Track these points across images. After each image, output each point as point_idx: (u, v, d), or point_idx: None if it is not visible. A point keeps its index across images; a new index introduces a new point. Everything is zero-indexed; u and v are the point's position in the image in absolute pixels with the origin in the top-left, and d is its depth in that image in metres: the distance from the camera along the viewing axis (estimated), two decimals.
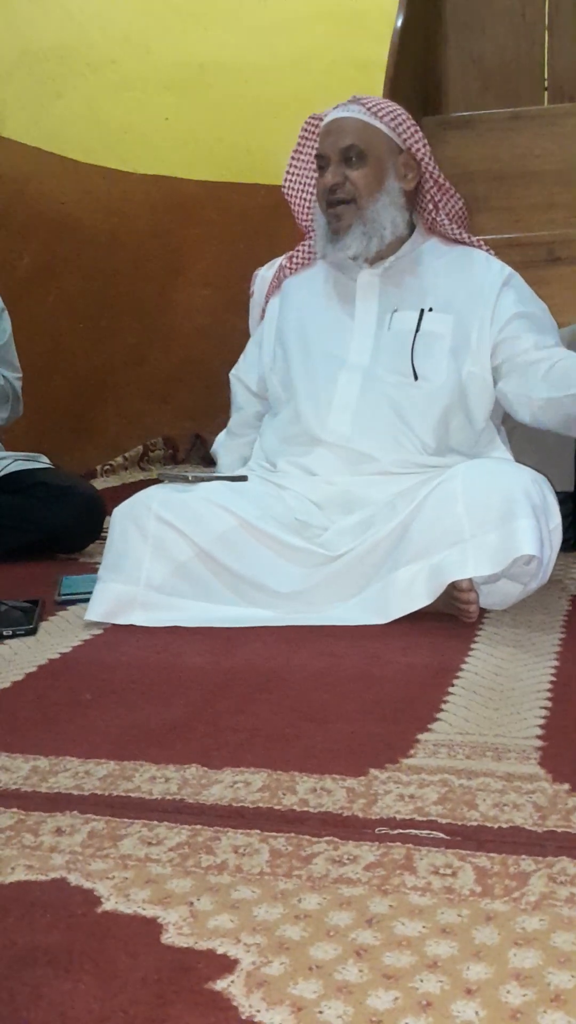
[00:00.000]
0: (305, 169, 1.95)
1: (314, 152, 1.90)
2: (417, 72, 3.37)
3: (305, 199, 1.97)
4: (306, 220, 1.97)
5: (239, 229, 3.73)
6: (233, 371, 2.11)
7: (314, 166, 1.90)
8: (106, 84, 3.62)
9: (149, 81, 3.71)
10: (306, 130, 1.94)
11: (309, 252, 1.99)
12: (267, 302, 2.06)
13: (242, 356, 2.11)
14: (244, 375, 2.08)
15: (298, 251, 2.02)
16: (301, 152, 1.95)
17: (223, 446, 2.12)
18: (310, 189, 1.94)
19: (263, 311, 2.08)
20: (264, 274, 2.09)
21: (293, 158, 1.96)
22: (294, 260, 2.02)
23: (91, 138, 3.58)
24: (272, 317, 2.02)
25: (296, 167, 1.96)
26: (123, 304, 3.78)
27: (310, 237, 1.98)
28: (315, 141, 1.90)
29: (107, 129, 3.63)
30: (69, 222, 3.52)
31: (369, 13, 3.63)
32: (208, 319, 3.72)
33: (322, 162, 1.86)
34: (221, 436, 2.14)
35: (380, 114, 1.84)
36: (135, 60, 3.68)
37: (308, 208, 1.96)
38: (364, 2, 3.66)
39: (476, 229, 2.06)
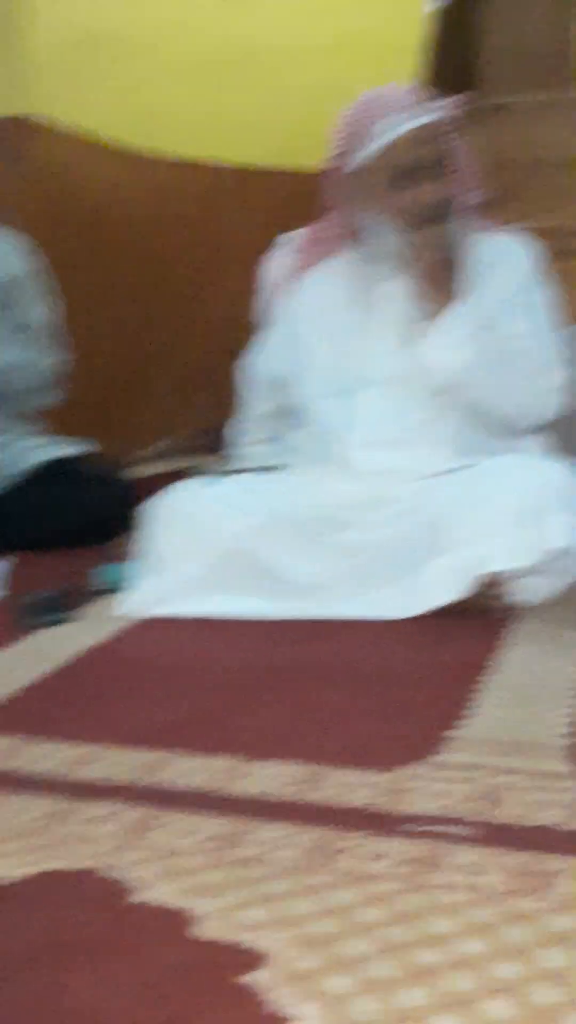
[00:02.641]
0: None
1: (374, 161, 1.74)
2: (453, 57, 3.35)
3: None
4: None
5: (280, 216, 3.69)
6: (243, 366, 2.04)
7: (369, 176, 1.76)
8: (147, 69, 3.59)
9: (189, 65, 3.68)
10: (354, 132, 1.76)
11: (326, 244, 1.89)
12: (281, 294, 1.97)
13: (255, 349, 2.03)
14: (254, 373, 2.02)
15: (312, 240, 1.92)
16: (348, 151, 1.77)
17: (238, 445, 2.07)
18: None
19: (277, 303, 1.99)
20: (276, 260, 2.01)
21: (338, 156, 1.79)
22: (307, 253, 1.92)
23: (132, 123, 3.57)
24: (285, 320, 1.95)
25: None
26: (162, 291, 3.78)
27: (336, 225, 1.86)
28: (367, 144, 1.74)
29: (148, 114, 3.61)
30: (110, 208, 3.53)
31: None
32: (245, 308, 3.71)
33: (400, 174, 1.72)
34: (235, 433, 2.09)
35: (444, 112, 1.73)
36: (175, 44, 3.65)
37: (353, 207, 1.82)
38: None
39: (510, 217, 2.03)
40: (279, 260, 1.98)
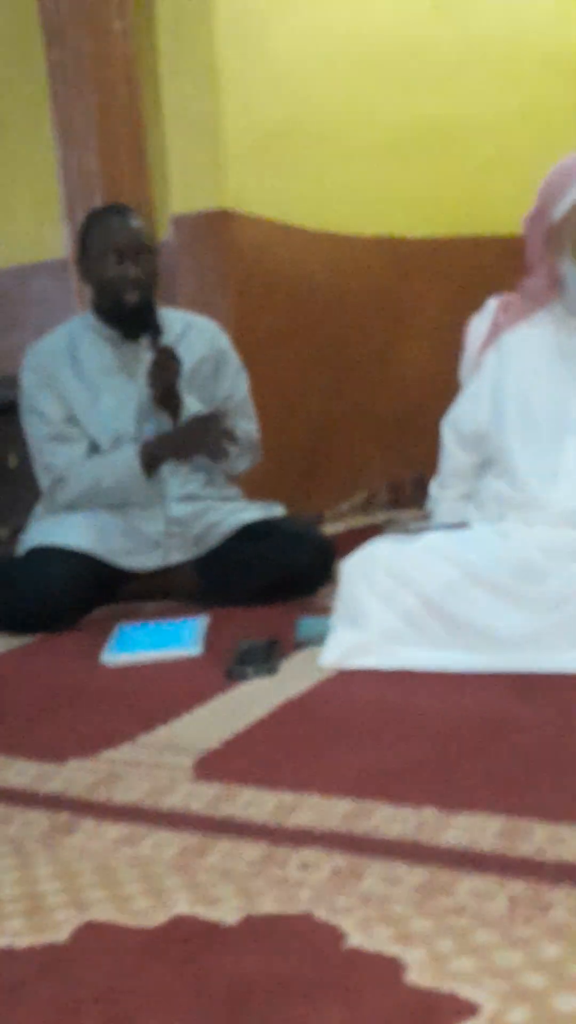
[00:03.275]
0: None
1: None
2: None
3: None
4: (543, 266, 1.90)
5: (460, 282, 3.78)
6: (445, 421, 2.10)
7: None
8: (333, 153, 3.75)
9: (373, 146, 3.82)
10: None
11: (526, 303, 1.95)
12: (481, 354, 2.03)
13: (455, 406, 2.09)
14: (457, 427, 2.06)
15: (512, 302, 1.99)
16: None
17: (436, 499, 2.12)
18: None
19: (477, 362, 2.05)
20: (477, 323, 2.07)
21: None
22: (510, 312, 1.99)
23: (320, 207, 3.73)
24: (488, 374, 1.99)
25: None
26: (350, 359, 3.90)
27: (540, 279, 1.92)
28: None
29: (335, 197, 3.77)
30: (301, 288, 3.69)
31: None
32: (430, 369, 3.78)
33: None
34: (434, 488, 2.14)
35: None
36: (359, 127, 3.80)
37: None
38: None
39: None
40: (484, 319, 2.03)
